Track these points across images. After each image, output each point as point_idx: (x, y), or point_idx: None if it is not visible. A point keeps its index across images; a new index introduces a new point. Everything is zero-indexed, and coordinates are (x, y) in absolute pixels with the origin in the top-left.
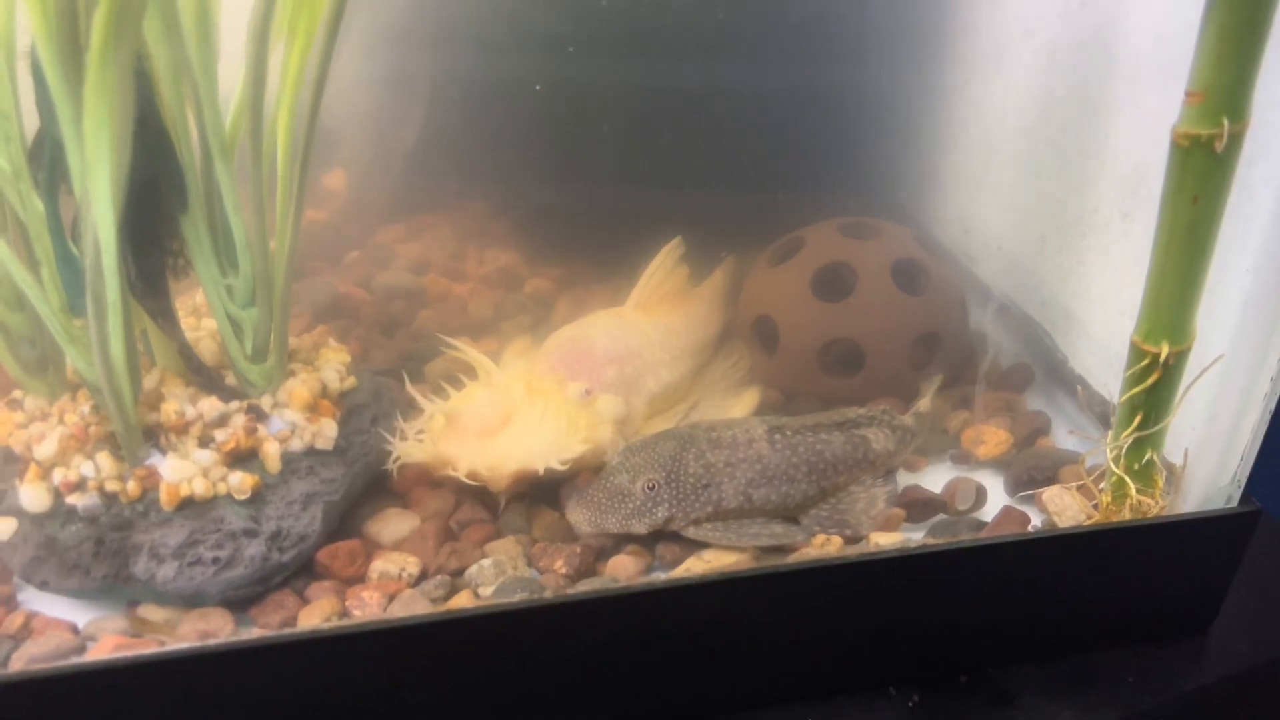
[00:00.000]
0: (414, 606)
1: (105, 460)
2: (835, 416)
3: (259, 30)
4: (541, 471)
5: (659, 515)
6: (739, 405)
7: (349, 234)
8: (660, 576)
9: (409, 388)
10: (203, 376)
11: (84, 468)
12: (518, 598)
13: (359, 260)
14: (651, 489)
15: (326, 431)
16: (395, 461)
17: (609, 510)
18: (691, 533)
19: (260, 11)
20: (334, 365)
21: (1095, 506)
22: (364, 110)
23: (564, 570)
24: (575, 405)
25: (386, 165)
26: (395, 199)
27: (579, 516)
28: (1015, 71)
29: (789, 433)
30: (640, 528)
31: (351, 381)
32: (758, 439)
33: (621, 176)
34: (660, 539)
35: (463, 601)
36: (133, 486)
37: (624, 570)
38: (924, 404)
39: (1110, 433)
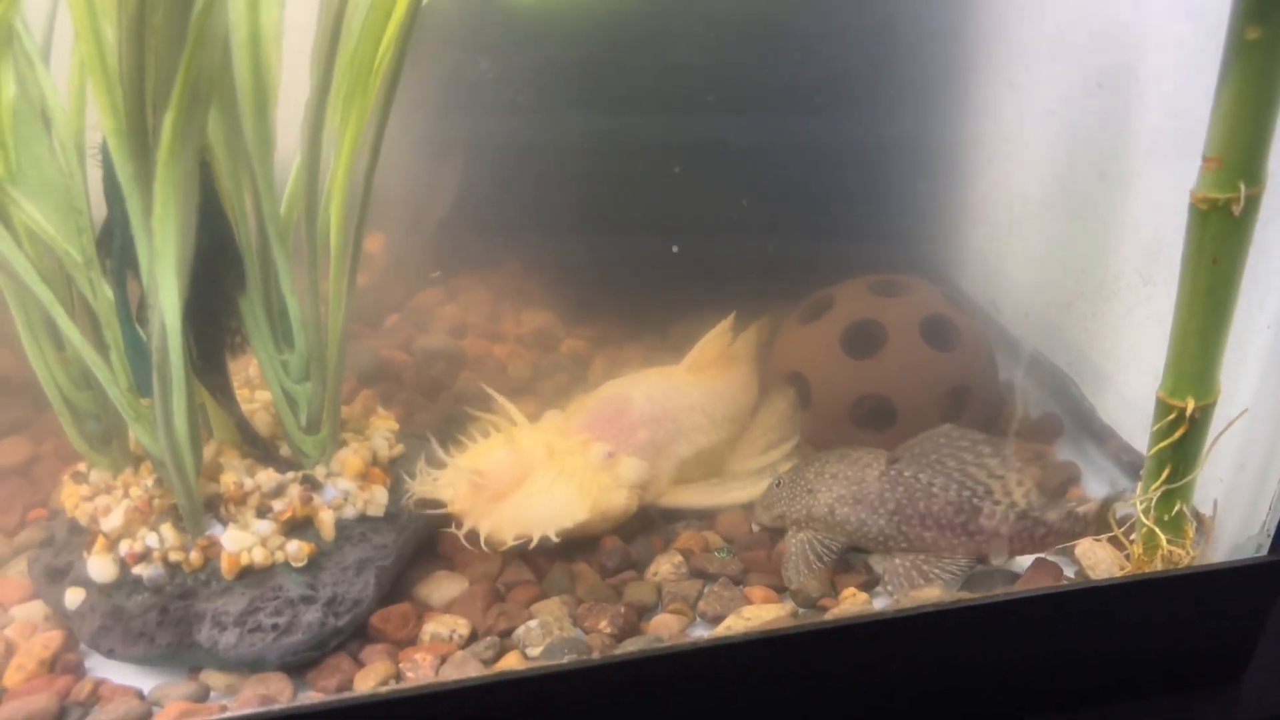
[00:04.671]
0: (465, 668)
1: (169, 531)
2: (972, 468)
3: (313, 124)
4: (535, 541)
5: (775, 510)
6: (767, 471)
7: (389, 297)
8: (702, 635)
9: (435, 447)
10: (259, 448)
11: (149, 539)
12: (566, 659)
13: (399, 324)
14: (778, 485)
15: (378, 498)
16: (410, 499)
17: (759, 500)
18: (801, 539)
19: (314, 106)
20: (383, 433)
21: (1127, 557)
22: (400, 174)
23: (608, 630)
24: (595, 468)
25: (423, 228)
26: (432, 261)
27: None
28: (1037, 148)
29: (905, 471)
30: (764, 518)
31: (400, 449)
32: (874, 465)
33: (653, 235)
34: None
35: (512, 662)
36: (195, 556)
37: (666, 629)
38: (1087, 507)
39: (1140, 485)
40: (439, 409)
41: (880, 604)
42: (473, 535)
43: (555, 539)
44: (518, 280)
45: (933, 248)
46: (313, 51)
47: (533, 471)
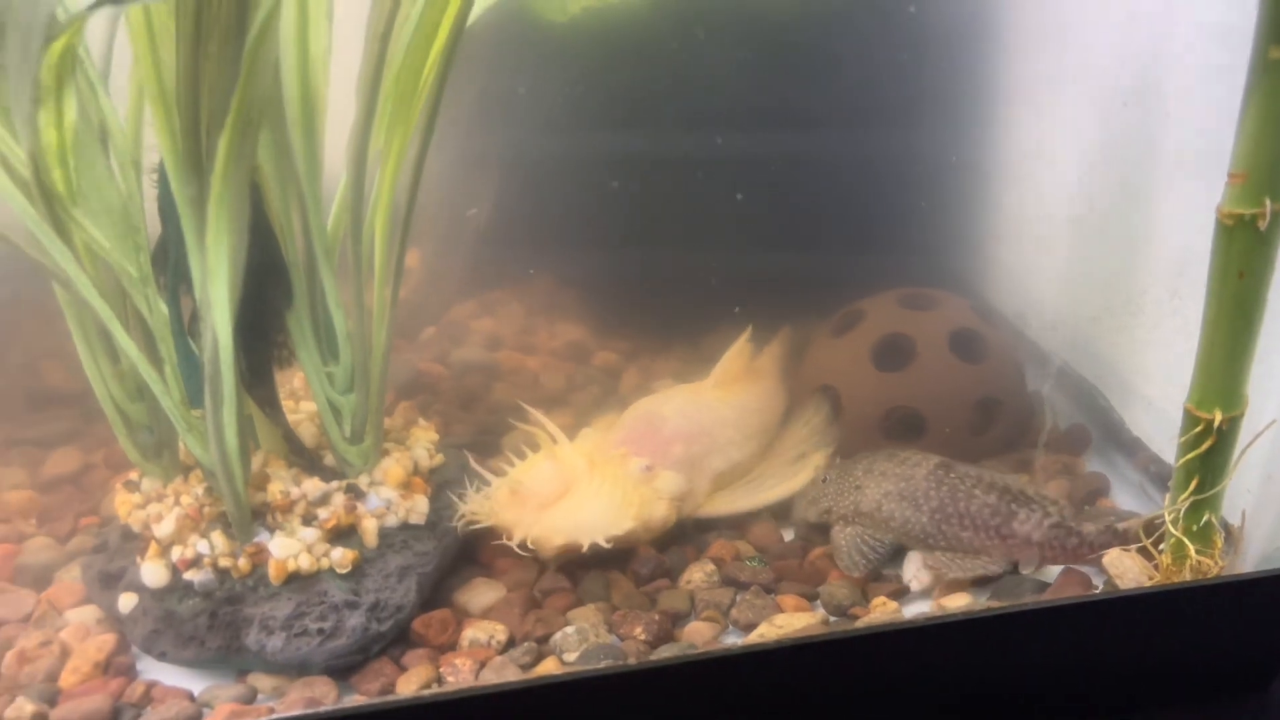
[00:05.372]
0: (504, 673)
1: (219, 539)
2: (1010, 482)
3: (359, 144)
4: (585, 547)
5: (822, 505)
6: (804, 473)
7: (425, 311)
8: (735, 642)
9: (473, 462)
10: (304, 458)
11: (199, 545)
12: (602, 664)
13: (435, 336)
14: (824, 481)
15: (419, 507)
16: (460, 520)
17: (799, 498)
18: (850, 533)
19: (360, 128)
20: (424, 444)
21: (1155, 568)
22: (436, 189)
23: (643, 637)
24: (634, 481)
25: (459, 242)
26: (468, 275)
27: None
28: (1065, 165)
29: (952, 474)
30: (810, 514)
31: (440, 459)
32: (923, 465)
33: (684, 249)
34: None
35: (549, 668)
36: (244, 563)
37: (700, 636)
38: (1128, 524)
39: (1168, 496)
40: (475, 420)
41: (910, 613)
42: (524, 544)
43: (606, 545)
44: (551, 294)
45: (962, 262)
46: (359, 75)
47: (576, 484)
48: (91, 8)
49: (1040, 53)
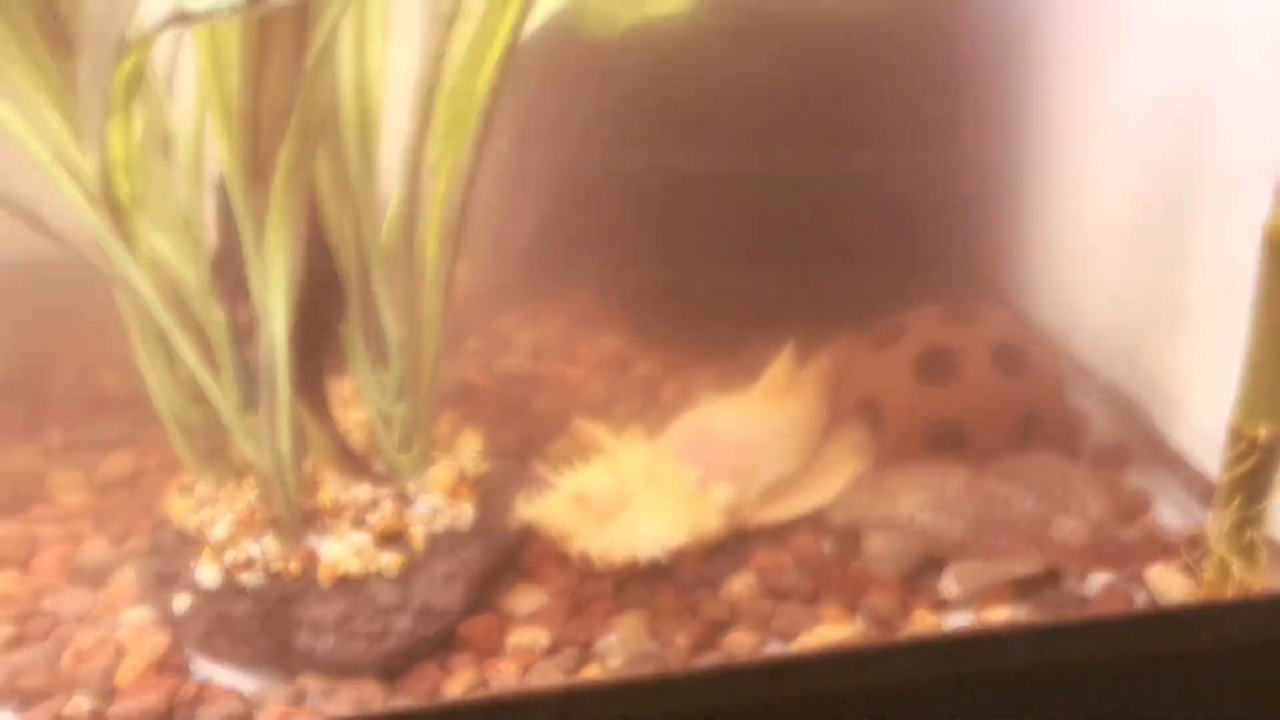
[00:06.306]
0: (548, 677)
1: (271, 542)
2: (1049, 489)
3: (413, 158)
4: (644, 560)
5: (855, 512)
6: (834, 483)
7: (469, 321)
8: (776, 650)
9: (536, 468)
10: (354, 464)
11: (252, 549)
12: (645, 670)
13: (479, 346)
14: (858, 489)
15: (465, 513)
16: (520, 527)
17: (838, 503)
18: (881, 541)
19: (414, 141)
20: (470, 451)
21: (1199, 584)
22: (483, 201)
23: (685, 644)
24: (689, 493)
25: (503, 253)
26: (512, 285)
27: None
28: (1112, 181)
29: (985, 482)
30: (842, 519)
31: (485, 466)
32: (956, 475)
33: (725, 261)
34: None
35: (593, 673)
36: (295, 566)
37: (741, 645)
38: (1172, 536)
39: (1212, 512)
40: (518, 429)
41: (950, 624)
42: (585, 553)
43: (663, 558)
44: (593, 305)
45: (1007, 275)
46: (413, 92)
47: (634, 494)
48: (160, 27)
49: (1090, 66)
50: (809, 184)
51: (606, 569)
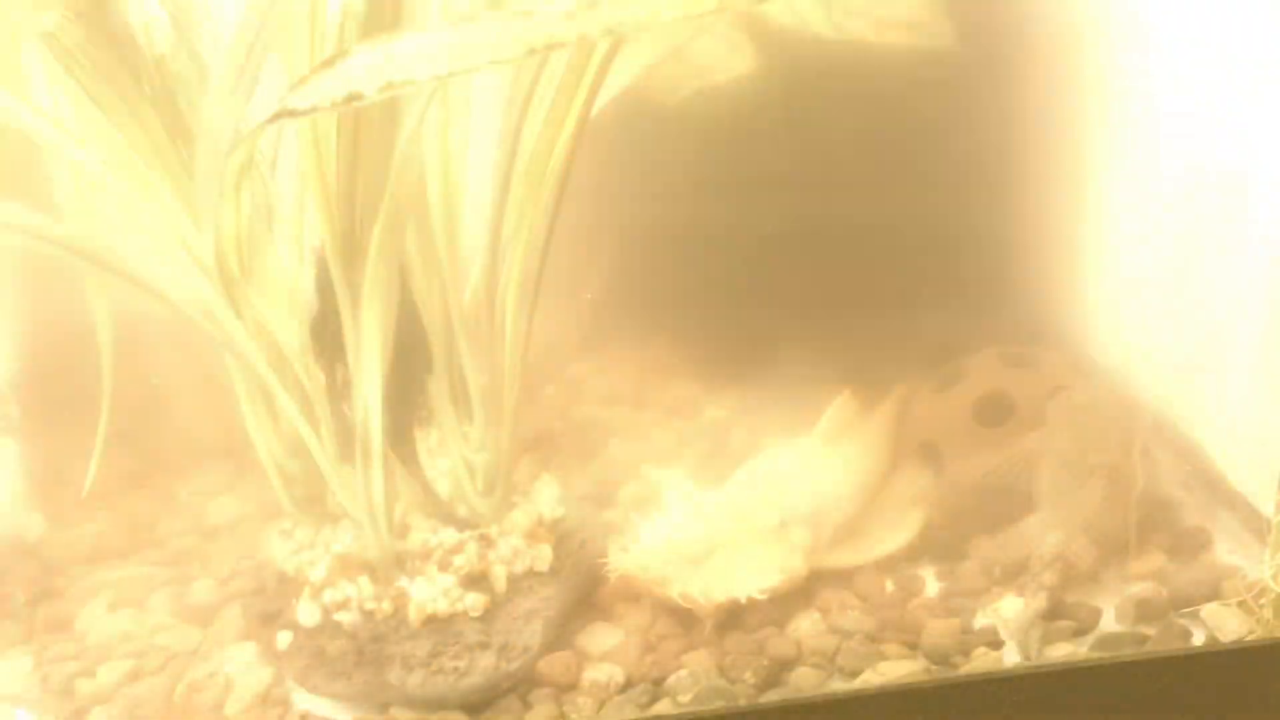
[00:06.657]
0: (622, 711)
1: (365, 583)
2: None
3: (493, 226)
4: (744, 600)
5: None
6: (904, 529)
7: (545, 369)
8: (840, 686)
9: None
10: (441, 510)
11: (348, 589)
12: (716, 705)
13: (554, 393)
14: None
15: (544, 555)
16: (611, 571)
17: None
18: None
19: (494, 210)
20: (547, 496)
21: (1257, 623)
22: (557, 256)
23: (752, 680)
24: (771, 535)
25: (576, 305)
26: (588, 335)
27: None
28: (1153, 211)
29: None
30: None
31: (561, 510)
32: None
33: (789, 311)
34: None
35: (665, 708)
36: (387, 606)
37: (806, 681)
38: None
39: (1269, 550)
40: (592, 473)
41: (1011, 661)
42: (685, 595)
43: (761, 596)
44: (664, 353)
45: (1064, 316)
46: (493, 165)
47: (721, 538)
48: (268, 121)
49: (1143, 98)
50: (872, 234)
51: (706, 609)
